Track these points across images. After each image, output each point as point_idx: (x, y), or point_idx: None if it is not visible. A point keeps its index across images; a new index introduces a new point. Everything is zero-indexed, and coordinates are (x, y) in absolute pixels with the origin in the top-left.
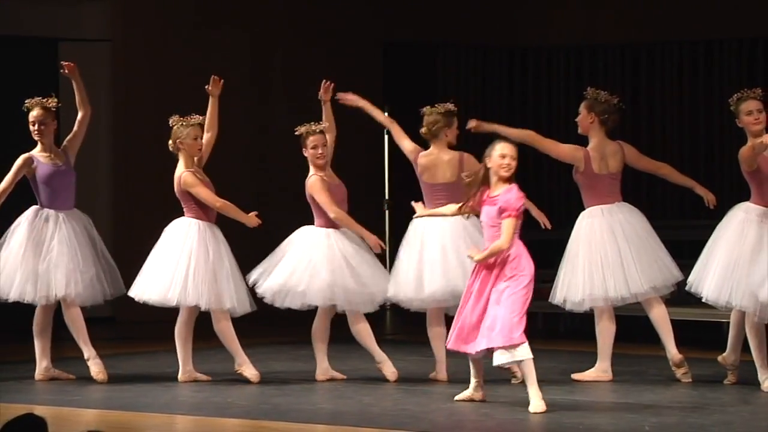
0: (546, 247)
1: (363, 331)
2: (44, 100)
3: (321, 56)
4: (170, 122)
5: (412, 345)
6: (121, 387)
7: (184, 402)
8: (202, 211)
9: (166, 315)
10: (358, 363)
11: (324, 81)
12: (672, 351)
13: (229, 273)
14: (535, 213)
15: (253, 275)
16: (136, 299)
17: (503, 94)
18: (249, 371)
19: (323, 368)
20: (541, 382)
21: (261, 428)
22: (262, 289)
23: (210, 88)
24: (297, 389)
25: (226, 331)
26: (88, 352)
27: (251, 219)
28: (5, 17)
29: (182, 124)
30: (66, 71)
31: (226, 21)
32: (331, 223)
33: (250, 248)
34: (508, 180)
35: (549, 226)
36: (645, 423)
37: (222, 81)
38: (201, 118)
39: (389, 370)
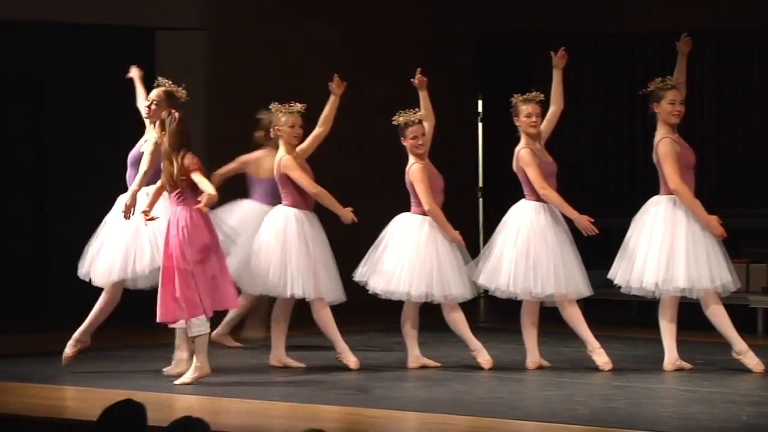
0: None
1: (457, 320)
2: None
3: (413, 46)
4: (271, 108)
5: (506, 333)
6: (216, 374)
7: (279, 389)
8: (301, 198)
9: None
10: (451, 351)
11: (419, 69)
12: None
13: (327, 262)
14: None
15: (360, 272)
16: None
17: (597, 82)
18: (349, 358)
19: (414, 356)
20: (633, 371)
21: (354, 415)
22: (372, 287)
23: (333, 86)
24: (390, 377)
25: (326, 320)
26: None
27: (347, 213)
28: (103, 7)
29: (282, 112)
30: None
31: (318, 10)
32: None
33: (342, 234)
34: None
35: None
36: (742, 413)
37: (345, 83)
38: (301, 106)
39: (484, 357)
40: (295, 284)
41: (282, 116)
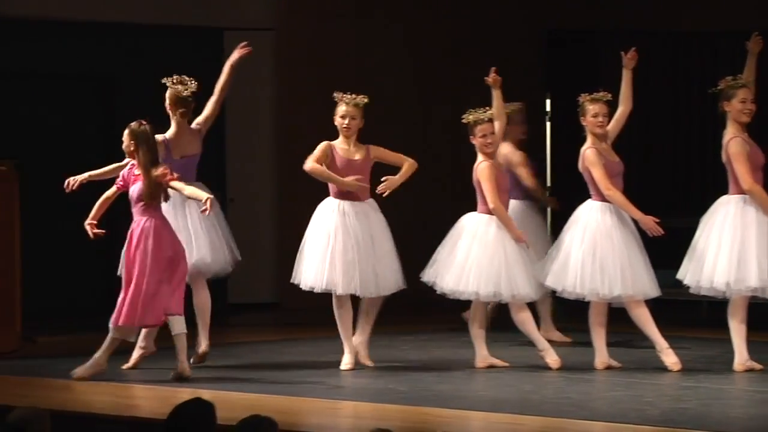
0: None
1: (525, 319)
2: (353, 97)
3: (481, 44)
4: (334, 97)
5: (574, 333)
6: (284, 373)
7: (348, 388)
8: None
9: (330, 301)
10: (519, 350)
11: (493, 68)
12: None
13: (383, 254)
14: None
15: (428, 273)
16: (301, 287)
17: (666, 81)
18: (345, 360)
19: (482, 355)
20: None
21: (422, 415)
22: (439, 287)
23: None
24: (458, 376)
25: (341, 318)
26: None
27: (349, 183)
28: (173, 7)
29: (340, 101)
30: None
31: (383, 10)
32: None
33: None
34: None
35: None
36: None
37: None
38: (362, 98)
39: (552, 357)
40: (328, 279)
41: (338, 105)
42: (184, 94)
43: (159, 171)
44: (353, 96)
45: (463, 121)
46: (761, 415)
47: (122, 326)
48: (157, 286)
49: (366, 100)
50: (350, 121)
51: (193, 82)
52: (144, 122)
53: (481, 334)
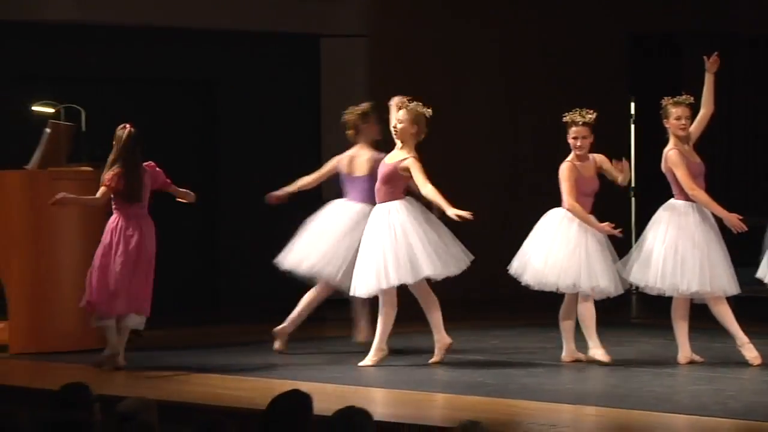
0: None
1: (587, 313)
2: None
3: (567, 48)
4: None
5: (658, 328)
6: (377, 365)
7: (438, 380)
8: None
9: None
10: (606, 346)
11: None
12: None
13: (375, 251)
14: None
15: (514, 266)
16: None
17: (749, 82)
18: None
19: (570, 349)
20: None
21: (509, 407)
22: (524, 280)
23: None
24: (543, 370)
25: (385, 315)
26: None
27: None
28: (270, 15)
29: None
30: None
31: (476, 15)
32: None
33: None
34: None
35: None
36: None
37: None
38: (425, 109)
39: (603, 355)
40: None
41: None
42: (346, 117)
43: (105, 173)
44: (407, 101)
45: (563, 119)
46: None
47: (99, 312)
48: (124, 279)
49: (422, 110)
50: (397, 124)
51: (357, 108)
52: (127, 126)
53: (571, 328)
